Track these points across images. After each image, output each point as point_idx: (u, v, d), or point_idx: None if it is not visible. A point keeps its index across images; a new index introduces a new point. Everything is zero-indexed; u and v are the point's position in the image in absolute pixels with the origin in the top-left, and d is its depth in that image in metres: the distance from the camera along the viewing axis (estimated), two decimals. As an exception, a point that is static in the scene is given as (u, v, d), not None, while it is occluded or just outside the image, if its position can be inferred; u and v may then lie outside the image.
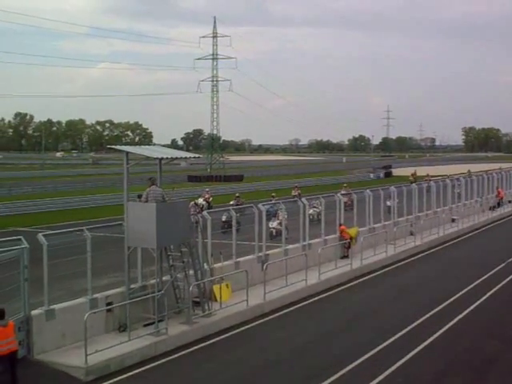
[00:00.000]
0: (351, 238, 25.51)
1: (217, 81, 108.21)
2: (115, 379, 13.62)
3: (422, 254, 28.71)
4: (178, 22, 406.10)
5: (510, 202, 47.17)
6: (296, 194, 39.56)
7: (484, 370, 14.41)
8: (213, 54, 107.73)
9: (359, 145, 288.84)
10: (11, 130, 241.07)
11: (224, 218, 24.10)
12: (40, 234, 14.70)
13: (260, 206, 21.70)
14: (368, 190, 29.02)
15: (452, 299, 20.23)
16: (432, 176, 54.64)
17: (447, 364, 14.67)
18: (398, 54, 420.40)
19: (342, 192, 32.97)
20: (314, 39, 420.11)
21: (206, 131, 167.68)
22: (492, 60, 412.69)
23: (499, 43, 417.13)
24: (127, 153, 16.61)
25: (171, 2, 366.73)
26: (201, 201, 38.00)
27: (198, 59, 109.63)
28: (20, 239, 14.30)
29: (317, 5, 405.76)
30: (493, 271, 24.46)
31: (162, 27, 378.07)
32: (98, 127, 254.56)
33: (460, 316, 18.34)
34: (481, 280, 22.95)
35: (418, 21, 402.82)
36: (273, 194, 39.24)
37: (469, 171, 58.14)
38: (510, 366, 14.73)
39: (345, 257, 25.08)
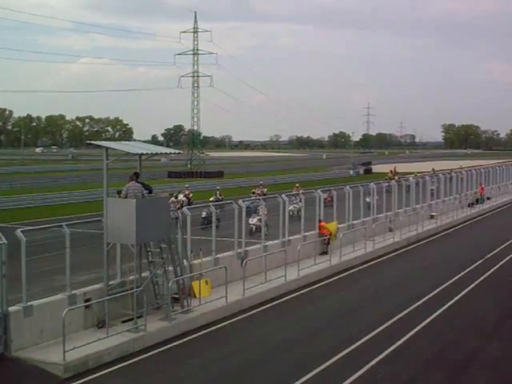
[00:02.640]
0: (331, 234, 25.62)
1: (197, 76, 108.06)
2: (93, 376, 13.56)
3: (401, 251, 28.93)
4: (162, 17, 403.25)
5: (488, 198, 47.57)
6: (259, 192, 38.10)
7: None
8: (193, 50, 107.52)
9: (339, 141, 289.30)
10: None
11: (204, 214, 24.09)
12: (18, 230, 14.61)
13: (240, 202, 21.71)
14: (348, 187, 29.18)
15: (430, 295, 20.39)
16: (404, 174, 55.33)
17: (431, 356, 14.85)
18: (379, 52, 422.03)
19: (294, 192, 32.65)
20: (297, 36, 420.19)
21: (187, 127, 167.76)
22: (471, 58, 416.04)
23: (479, 42, 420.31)
24: (107, 148, 16.53)
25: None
26: (181, 197, 37.89)
27: (179, 54, 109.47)
28: (-2, 235, 14.21)
29: (300, 1, 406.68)
30: (471, 267, 24.70)
31: (145, 22, 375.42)
32: (78, 123, 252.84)
33: (438, 312, 18.50)
34: (458, 276, 23.16)
35: (399, 19, 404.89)
36: (253, 191, 39.23)
37: (433, 169, 58.99)
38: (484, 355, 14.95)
39: (324, 253, 25.16)
